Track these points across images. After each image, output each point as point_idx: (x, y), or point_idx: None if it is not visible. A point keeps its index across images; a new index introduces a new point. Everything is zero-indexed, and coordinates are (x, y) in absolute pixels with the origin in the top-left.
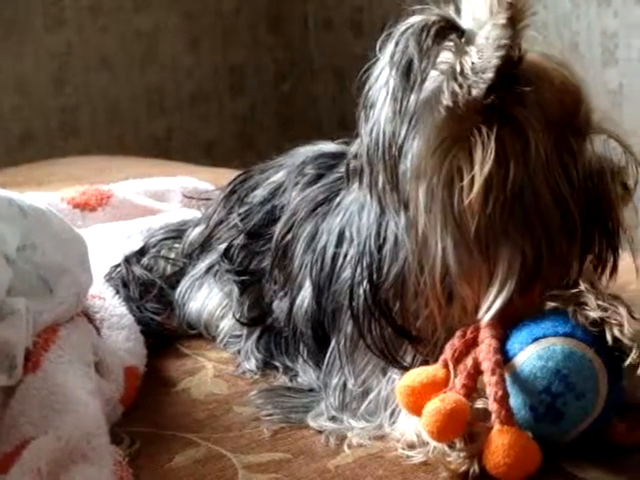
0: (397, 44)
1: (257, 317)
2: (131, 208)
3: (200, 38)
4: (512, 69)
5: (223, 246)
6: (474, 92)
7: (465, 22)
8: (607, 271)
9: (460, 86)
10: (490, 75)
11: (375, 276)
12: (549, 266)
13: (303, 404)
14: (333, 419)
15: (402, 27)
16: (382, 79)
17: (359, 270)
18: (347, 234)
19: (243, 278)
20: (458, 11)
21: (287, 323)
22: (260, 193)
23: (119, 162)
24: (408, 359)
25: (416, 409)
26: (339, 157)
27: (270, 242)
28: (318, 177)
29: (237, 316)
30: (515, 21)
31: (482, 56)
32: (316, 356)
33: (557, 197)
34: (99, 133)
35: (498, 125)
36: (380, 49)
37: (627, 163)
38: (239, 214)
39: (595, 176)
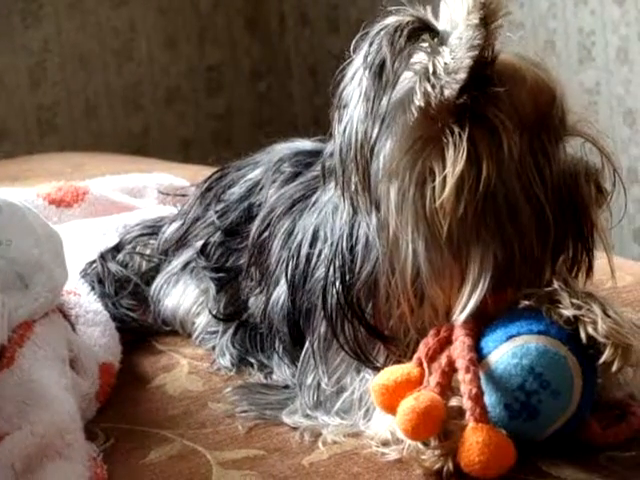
0: (371, 44)
1: (233, 313)
2: (107, 204)
3: (177, 36)
4: (485, 70)
5: (200, 243)
6: (446, 92)
7: (441, 23)
8: (582, 272)
9: (432, 86)
10: (463, 75)
11: (347, 277)
12: (522, 267)
13: (278, 401)
14: (308, 416)
15: (377, 28)
16: (356, 79)
17: (332, 270)
18: (321, 233)
19: (220, 275)
20: (436, 13)
21: (263, 319)
22: (237, 191)
23: (95, 158)
24: (381, 359)
25: (390, 407)
26: (316, 155)
27: (247, 240)
28: (295, 175)
29: (213, 312)
30: (488, 21)
31: (455, 56)
32: (291, 353)
33: (530, 198)
34: (76, 130)
35: (470, 125)
36: (355, 49)
37: (602, 165)
38: (216, 211)
39: (569, 178)
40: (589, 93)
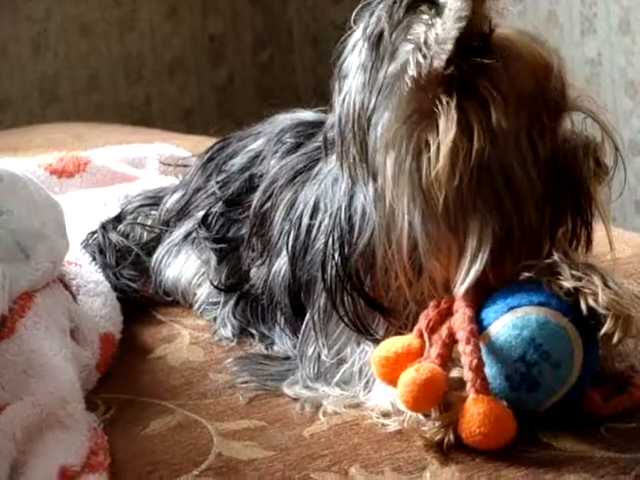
0: (371, 15)
1: (234, 284)
2: (108, 175)
3: (179, 6)
4: (479, 41)
5: (201, 214)
6: (434, 63)
7: None
8: (582, 245)
9: (424, 57)
10: (449, 47)
11: (346, 248)
12: (520, 239)
13: (279, 372)
14: (308, 388)
15: None
16: (356, 50)
17: (331, 242)
18: (322, 205)
19: (221, 246)
20: None
21: (264, 290)
22: (238, 161)
23: (97, 129)
24: (381, 331)
25: (391, 379)
26: (318, 126)
27: (248, 210)
28: (297, 146)
29: (215, 283)
30: None
31: (445, 27)
32: (292, 324)
33: (526, 171)
34: (78, 100)
35: (460, 96)
36: (355, 20)
37: (603, 140)
38: (217, 182)
39: (567, 152)
40: (591, 64)
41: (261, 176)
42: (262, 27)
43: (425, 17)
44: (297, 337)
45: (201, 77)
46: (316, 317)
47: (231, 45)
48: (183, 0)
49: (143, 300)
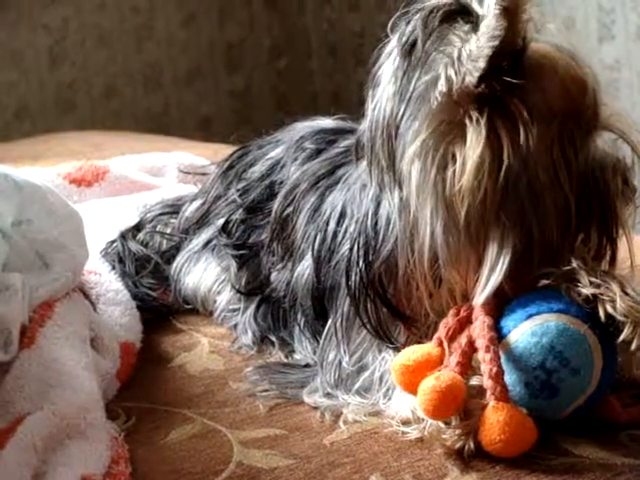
0: (407, 24)
1: (255, 288)
2: (127, 184)
3: (196, 14)
4: (509, 59)
5: (221, 221)
6: (467, 80)
7: (483, 7)
8: (605, 262)
9: (456, 73)
10: (482, 65)
11: (370, 255)
12: (541, 253)
13: (299, 379)
14: (328, 395)
15: (415, 7)
16: (390, 58)
17: (356, 248)
18: (349, 210)
19: (241, 252)
20: None
21: (286, 294)
22: (258, 169)
23: (115, 137)
24: (402, 339)
25: (411, 387)
26: (337, 133)
27: (269, 216)
28: (318, 152)
29: (236, 287)
30: (511, 12)
31: (478, 45)
32: (313, 327)
33: (554, 187)
34: (95, 109)
35: (491, 113)
36: (392, 29)
37: (633, 162)
38: (237, 190)
39: (597, 169)
40: (609, 70)
41: (281, 183)
42: (279, 34)
43: (460, 30)
44: (317, 341)
45: (218, 85)
46: (338, 323)
47: (248, 52)
48: (200, 8)
49: (162, 308)
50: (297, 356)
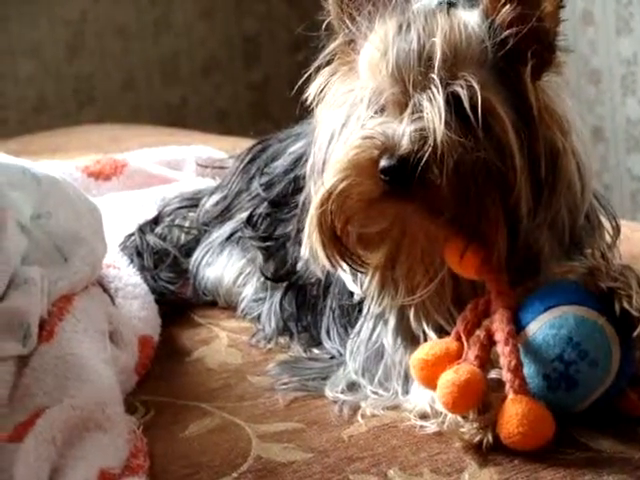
0: None
1: (284, 275)
2: (145, 177)
3: (214, 7)
4: None
5: (245, 214)
6: None
7: None
8: None
9: None
10: None
11: None
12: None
13: (323, 369)
14: (350, 387)
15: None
16: None
17: None
18: None
19: (268, 244)
20: None
21: (318, 281)
22: (281, 163)
23: (133, 131)
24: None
25: (430, 382)
26: None
27: (295, 209)
28: None
29: (266, 274)
30: None
31: None
32: (343, 310)
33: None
34: (113, 101)
35: None
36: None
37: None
38: (261, 184)
39: None
40: (627, 64)
41: (305, 177)
42: (297, 27)
43: None
44: (346, 331)
45: (236, 78)
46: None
47: (266, 45)
48: (218, 1)
49: (181, 302)
50: (316, 350)
